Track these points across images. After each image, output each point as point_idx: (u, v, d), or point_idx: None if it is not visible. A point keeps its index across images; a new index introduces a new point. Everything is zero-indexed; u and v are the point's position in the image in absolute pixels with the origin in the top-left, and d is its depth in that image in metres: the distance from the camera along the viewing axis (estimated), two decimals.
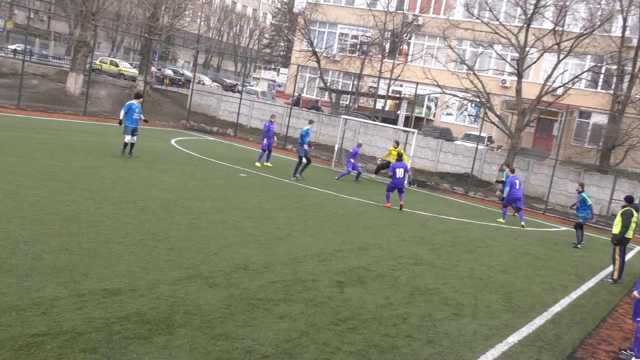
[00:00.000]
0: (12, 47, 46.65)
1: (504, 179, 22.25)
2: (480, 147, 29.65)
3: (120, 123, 17.73)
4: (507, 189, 19.81)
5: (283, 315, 7.24)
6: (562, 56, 27.14)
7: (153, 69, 47.72)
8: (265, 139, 21.94)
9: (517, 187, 19.65)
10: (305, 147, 20.31)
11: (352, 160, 22.98)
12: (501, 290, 10.46)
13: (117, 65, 48.00)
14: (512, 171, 20.68)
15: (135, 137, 17.68)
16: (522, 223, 19.33)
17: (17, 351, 5.24)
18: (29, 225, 8.92)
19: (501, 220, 19.53)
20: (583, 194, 17.36)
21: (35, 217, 9.42)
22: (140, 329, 6.12)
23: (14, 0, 47.27)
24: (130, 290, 7.12)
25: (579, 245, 17.03)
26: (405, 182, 22.21)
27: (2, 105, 25.48)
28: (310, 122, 21.93)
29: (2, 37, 46.59)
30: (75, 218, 9.81)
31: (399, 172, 17.95)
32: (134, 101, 17.95)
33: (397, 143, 24.30)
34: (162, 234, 9.82)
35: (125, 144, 17.50)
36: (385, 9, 38.94)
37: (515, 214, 20.40)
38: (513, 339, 8.04)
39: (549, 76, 27.14)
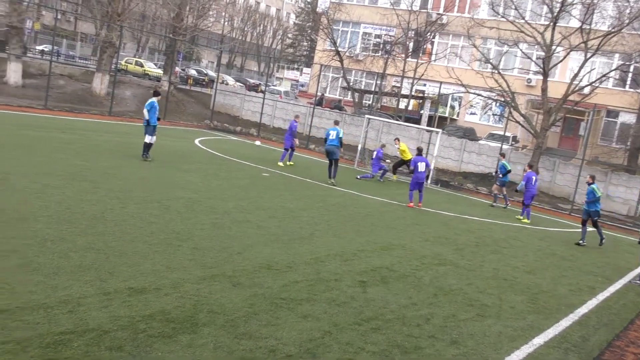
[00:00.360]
0: (40, 47, 47.39)
1: (508, 168, 21.95)
2: (505, 146, 29.37)
3: (148, 123, 17.13)
4: (522, 183, 19.71)
5: (306, 315, 7.25)
6: (589, 55, 26.76)
7: (177, 69, 48.13)
8: (295, 139, 22.12)
9: (533, 183, 19.51)
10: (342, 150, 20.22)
11: (377, 162, 22.96)
12: (526, 291, 10.34)
13: (142, 66, 48.51)
14: (530, 166, 20.44)
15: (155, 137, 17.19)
16: (527, 220, 19.32)
17: (45, 349, 5.32)
18: (55, 224, 9.05)
19: (526, 220, 19.32)
20: (592, 185, 16.55)
21: (62, 216, 9.54)
22: (164, 327, 6.17)
23: (41, 1, 47.96)
24: (155, 289, 7.18)
25: (602, 242, 16.63)
26: (429, 181, 22.14)
27: (30, 106, 25.89)
28: (336, 122, 21.57)
29: (30, 38, 47.33)
30: (100, 217, 9.92)
31: (421, 166, 17.91)
32: (154, 99, 17.34)
33: (398, 139, 24.46)
34: (186, 233, 9.89)
35: (150, 145, 16.93)
36: (409, 8, 38.76)
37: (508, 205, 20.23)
38: (538, 340, 7.94)
39: (576, 75, 26.79)
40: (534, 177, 19.65)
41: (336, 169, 19.35)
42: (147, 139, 16.92)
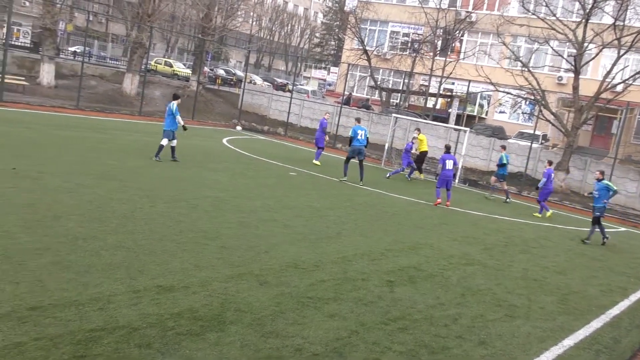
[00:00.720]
0: (72, 49, 48.21)
1: (505, 162, 21.64)
2: (535, 145, 28.98)
3: (184, 128, 17.34)
4: (544, 180, 19.57)
5: (333, 314, 7.25)
6: (622, 52, 26.26)
7: (206, 69, 48.57)
8: (325, 136, 22.85)
9: (552, 180, 19.70)
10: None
11: (407, 155, 22.96)
12: (556, 292, 10.20)
13: (171, 66, 49.03)
14: (550, 163, 20.36)
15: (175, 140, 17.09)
16: (549, 213, 19.34)
17: (76, 345, 5.42)
18: (87, 223, 9.20)
19: (549, 213, 19.28)
20: (605, 181, 15.97)
21: (93, 215, 9.71)
22: (192, 325, 6.24)
23: (74, 3, 48.79)
24: (183, 287, 7.26)
25: (605, 240, 15.80)
26: (456, 180, 21.98)
27: (62, 106, 26.35)
28: (359, 120, 21.36)
29: (62, 40, 48.20)
30: (130, 216, 10.07)
31: (449, 164, 17.88)
32: (175, 102, 17.18)
33: (419, 130, 24.50)
34: (214, 232, 9.98)
35: (173, 148, 16.90)
36: (438, 6, 38.49)
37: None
38: (569, 341, 7.83)
39: (608, 72, 26.31)
40: (552, 174, 19.75)
41: (363, 169, 19.21)
42: (168, 142, 16.85)
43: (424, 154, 23.99)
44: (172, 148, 17.01)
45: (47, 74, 29.85)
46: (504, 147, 22.70)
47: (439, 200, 17.69)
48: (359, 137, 19.16)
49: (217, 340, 6.00)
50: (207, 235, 9.70)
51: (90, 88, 31.68)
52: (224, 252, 8.94)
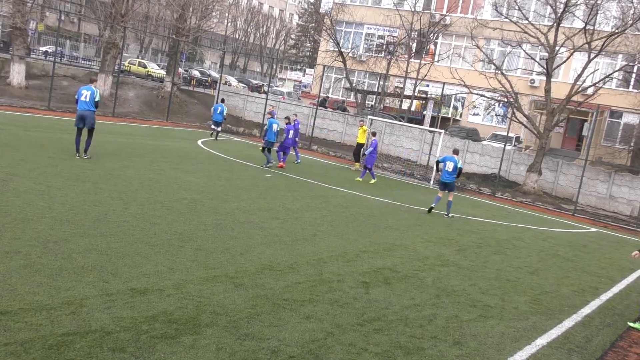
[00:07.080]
0: (43, 48, 47.42)
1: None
2: (508, 147, 29.34)
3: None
4: (371, 149, 21.65)
5: (308, 316, 7.24)
6: (592, 55, 26.72)
7: (180, 70, 48.19)
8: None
9: (376, 149, 22.08)
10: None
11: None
12: (529, 292, 10.32)
13: (145, 67, 48.57)
14: (374, 134, 22.59)
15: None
16: (371, 180, 21.60)
17: (48, 350, 5.32)
18: (58, 226, 9.06)
19: (359, 179, 21.44)
20: (271, 120, 20.68)
21: (65, 217, 9.56)
22: (167, 328, 6.17)
23: (45, 3, 48.09)
24: (157, 290, 7.19)
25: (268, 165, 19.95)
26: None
27: (33, 107, 25.94)
28: (456, 151, 17.72)
29: (33, 39, 47.42)
30: (103, 218, 9.93)
31: (290, 134, 21.26)
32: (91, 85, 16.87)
33: (363, 121, 26.35)
34: (189, 235, 9.89)
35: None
36: (412, 9, 38.74)
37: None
38: (542, 341, 7.93)
39: (579, 76, 26.76)
40: (377, 144, 22.24)
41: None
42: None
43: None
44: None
45: (17, 74, 29.34)
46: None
47: (282, 163, 20.97)
48: (446, 168, 16.86)
49: (193, 343, 5.95)
50: (182, 238, 9.62)
51: (62, 89, 31.20)
52: (199, 255, 8.87)
